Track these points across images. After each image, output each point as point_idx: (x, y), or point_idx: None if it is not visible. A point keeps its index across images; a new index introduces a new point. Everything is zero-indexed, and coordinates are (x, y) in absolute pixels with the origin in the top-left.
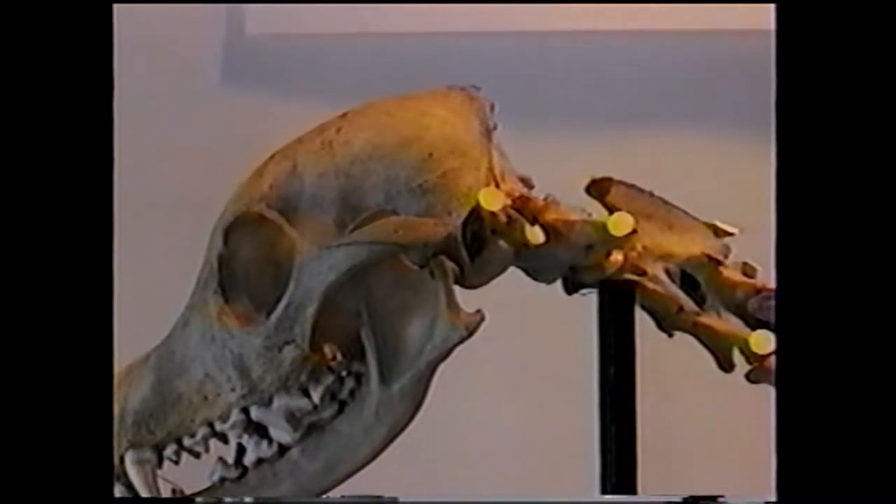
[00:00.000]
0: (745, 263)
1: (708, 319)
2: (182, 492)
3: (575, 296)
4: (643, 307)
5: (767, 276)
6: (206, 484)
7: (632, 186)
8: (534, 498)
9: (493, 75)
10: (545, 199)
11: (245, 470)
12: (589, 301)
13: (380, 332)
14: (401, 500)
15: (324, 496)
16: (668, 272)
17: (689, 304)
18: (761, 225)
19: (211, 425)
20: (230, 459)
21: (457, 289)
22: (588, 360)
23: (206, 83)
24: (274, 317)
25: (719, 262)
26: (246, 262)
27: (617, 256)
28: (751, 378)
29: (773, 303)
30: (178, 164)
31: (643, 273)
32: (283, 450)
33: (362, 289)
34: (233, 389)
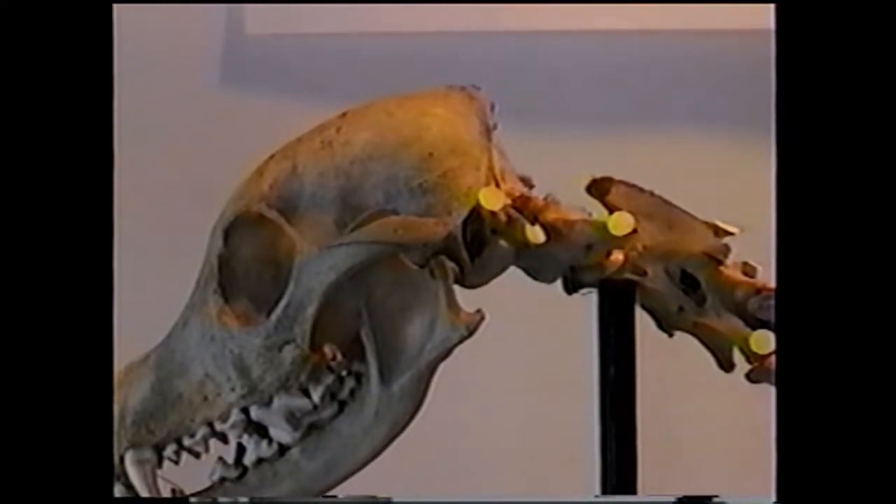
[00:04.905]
0: (745, 263)
1: (708, 319)
2: (182, 492)
3: (575, 296)
4: (643, 307)
5: (767, 276)
6: (206, 484)
7: (632, 186)
8: (534, 498)
9: (493, 75)
10: (545, 198)
11: (245, 470)
12: (589, 301)
13: (380, 332)
14: (401, 500)
15: (324, 496)
16: (668, 272)
17: (689, 304)
18: (761, 225)
19: (211, 425)
20: (230, 459)
21: (457, 289)
22: (588, 360)
23: (206, 83)
24: (274, 317)
25: (719, 262)
26: (246, 262)
27: (617, 256)
28: (751, 378)
29: (773, 303)
30: (178, 164)
31: (643, 273)
32: (283, 450)
33: (362, 289)
34: (233, 389)
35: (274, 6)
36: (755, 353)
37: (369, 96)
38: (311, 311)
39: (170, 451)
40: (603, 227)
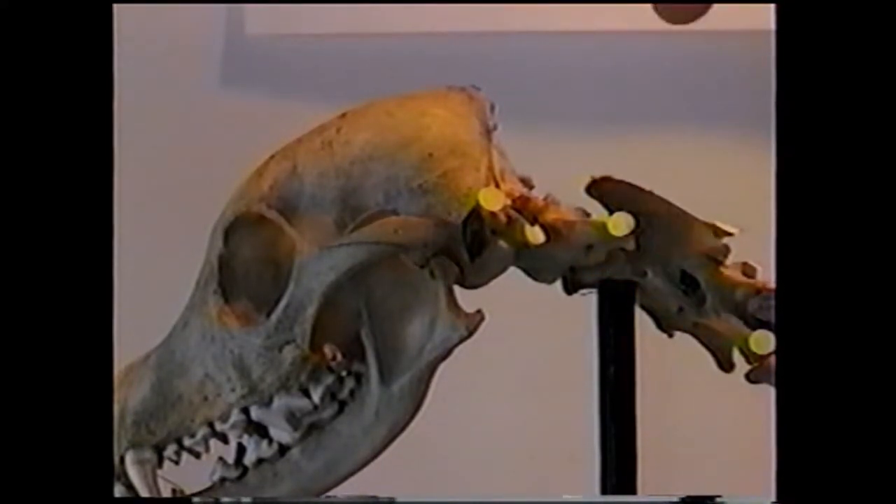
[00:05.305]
0: (745, 263)
1: (708, 320)
2: (182, 492)
3: (575, 296)
4: (643, 307)
5: (767, 276)
6: (207, 484)
7: (632, 186)
8: (534, 498)
9: (494, 75)
10: (545, 199)
11: (245, 470)
12: (589, 301)
13: (380, 332)
14: (401, 500)
15: (324, 496)
16: (667, 272)
17: (688, 304)
18: (761, 225)
19: (211, 425)
20: (230, 459)
21: (457, 289)
22: (588, 360)
23: (206, 83)
24: (274, 317)
25: (719, 262)
26: (246, 262)
27: (617, 256)
28: (751, 378)
29: (773, 303)
30: (178, 164)
31: (643, 273)
32: (283, 450)
33: (362, 289)
34: (233, 389)
35: (274, 6)
36: (755, 354)
37: (369, 96)
38: (311, 311)
39: (170, 451)
40: (603, 227)
